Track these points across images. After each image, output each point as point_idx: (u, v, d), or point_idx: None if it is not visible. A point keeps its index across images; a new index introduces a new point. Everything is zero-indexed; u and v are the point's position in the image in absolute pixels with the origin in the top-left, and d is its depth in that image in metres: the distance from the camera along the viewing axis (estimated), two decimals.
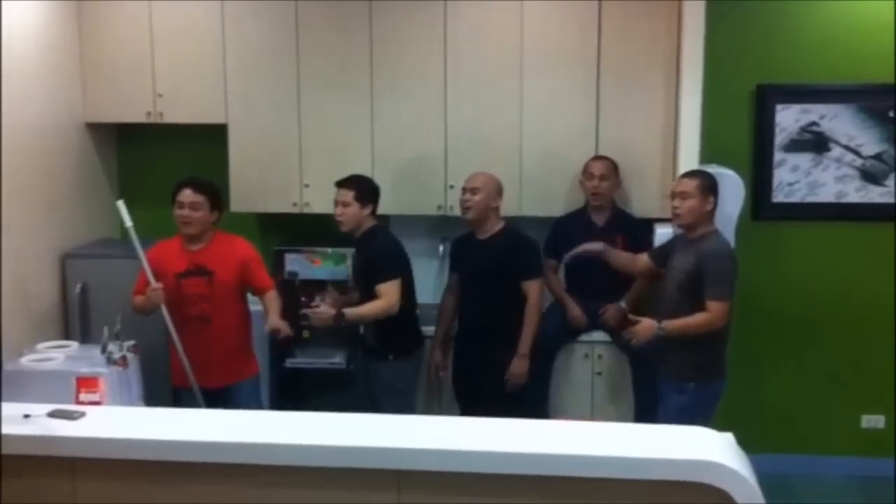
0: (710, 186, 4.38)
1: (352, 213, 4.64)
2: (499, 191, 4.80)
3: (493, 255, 4.74)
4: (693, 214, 4.33)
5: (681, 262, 4.37)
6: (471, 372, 4.85)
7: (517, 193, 5.08)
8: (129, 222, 4.42)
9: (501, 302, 4.75)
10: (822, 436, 5.54)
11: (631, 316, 4.52)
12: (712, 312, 4.26)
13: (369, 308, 4.61)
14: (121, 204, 4.44)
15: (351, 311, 4.61)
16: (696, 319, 4.27)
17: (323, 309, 4.62)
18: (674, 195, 4.40)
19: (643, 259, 4.71)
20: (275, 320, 4.54)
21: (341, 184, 4.69)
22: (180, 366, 4.58)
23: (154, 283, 4.44)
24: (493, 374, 4.73)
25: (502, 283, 4.74)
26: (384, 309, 4.60)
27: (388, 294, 4.61)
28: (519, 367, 4.71)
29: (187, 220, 4.52)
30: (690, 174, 4.47)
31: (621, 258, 4.79)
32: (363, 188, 4.67)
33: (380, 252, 4.69)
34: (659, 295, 4.55)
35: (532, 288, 4.74)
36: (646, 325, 4.36)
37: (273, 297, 4.67)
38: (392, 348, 4.74)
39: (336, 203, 4.67)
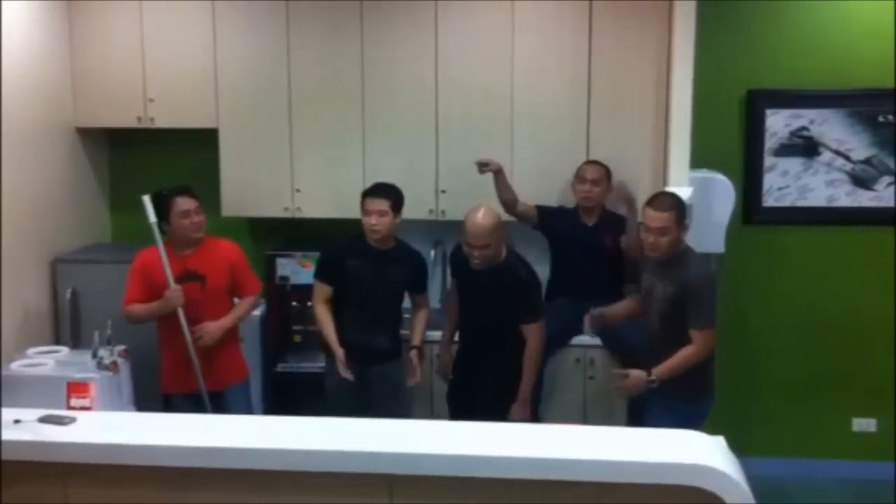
0: (683, 213, 4.22)
1: (388, 223, 4.59)
2: (502, 228, 4.62)
3: (493, 292, 4.58)
4: (672, 246, 4.18)
5: (660, 292, 4.22)
6: (468, 385, 4.78)
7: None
8: (153, 218, 4.42)
9: (500, 336, 4.62)
10: (814, 439, 5.56)
11: (616, 370, 4.44)
12: (699, 344, 4.14)
13: (423, 324, 4.85)
14: (146, 199, 4.44)
15: (418, 339, 4.79)
16: (685, 356, 4.14)
17: (414, 359, 4.73)
18: (647, 229, 4.18)
19: (636, 302, 4.59)
20: (211, 325, 4.53)
21: (374, 193, 4.63)
22: (171, 372, 4.59)
23: (174, 285, 4.44)
24: (489, 384, 4.67)
25: (501, 321, 4.60)
26: (428, 317, 4.89)
27: (427, 301, 4.90)
28: (520, 412, 4.60)
29: (200, 225, 4.57)
30: (660, 204, 4.21)
31: (619, 310, 4.66)
32: (397, 197, 4.65)
33: (423, 263, 4.87)
34: (643, 327, 4.42)
35: (532, 332, 4.59)
36: (636, 379, 4.23)
37: (247, 302, 4.71)
38: (401, 348, 4.79)
39: (369, 213, 4.58)
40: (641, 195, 5.10)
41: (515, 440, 3.02)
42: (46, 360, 4.45)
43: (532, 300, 4.64)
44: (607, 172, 5.08)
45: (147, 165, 5.66)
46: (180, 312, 4.45)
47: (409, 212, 4.94)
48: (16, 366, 4.40)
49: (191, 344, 4.46)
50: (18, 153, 4.86)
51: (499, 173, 5.00)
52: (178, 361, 4.55)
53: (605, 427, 3.20)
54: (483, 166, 4.95)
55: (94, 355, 4.37)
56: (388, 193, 4.62)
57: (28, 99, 4.99)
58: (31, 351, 4.60)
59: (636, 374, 4.23)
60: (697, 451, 2.90)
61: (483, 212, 4.49)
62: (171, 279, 4.43)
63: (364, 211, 4.62)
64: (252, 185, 5.37)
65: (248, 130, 5.35)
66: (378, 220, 4.57)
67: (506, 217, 4.96)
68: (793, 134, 5.39)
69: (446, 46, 5.18)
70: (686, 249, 4.26)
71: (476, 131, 5.19)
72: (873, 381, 5.49)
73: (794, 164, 5.41)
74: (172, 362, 4.60)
